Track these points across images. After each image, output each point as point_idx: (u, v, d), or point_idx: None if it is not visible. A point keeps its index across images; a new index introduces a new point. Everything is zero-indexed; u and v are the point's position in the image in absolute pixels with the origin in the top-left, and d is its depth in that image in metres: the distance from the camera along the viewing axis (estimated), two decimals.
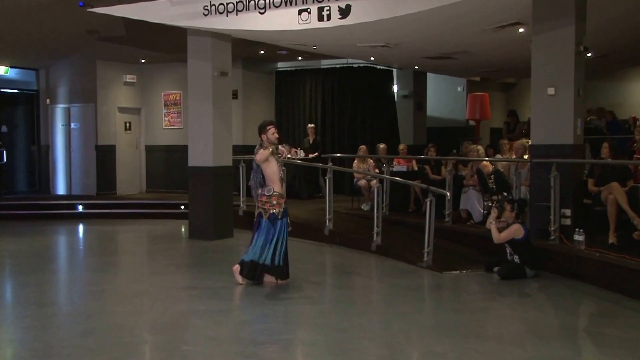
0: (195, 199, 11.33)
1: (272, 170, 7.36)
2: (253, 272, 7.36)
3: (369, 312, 6.71)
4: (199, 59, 11.11)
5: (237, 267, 7.47)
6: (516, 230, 8.00)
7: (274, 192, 7.33)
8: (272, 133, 7.36)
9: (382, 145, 12.90)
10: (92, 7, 10.61)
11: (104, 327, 6.07)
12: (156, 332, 6.00)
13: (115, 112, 15.88)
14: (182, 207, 13.36)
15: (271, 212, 7.31)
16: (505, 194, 8.80)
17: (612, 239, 7.93)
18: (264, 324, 6.08)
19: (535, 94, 8.70)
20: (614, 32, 11.18)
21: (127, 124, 16.24)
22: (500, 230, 8.09)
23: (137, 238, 12.24)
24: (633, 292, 6.98)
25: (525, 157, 9.90)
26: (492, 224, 8.15)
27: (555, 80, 8.44)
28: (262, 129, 7.41)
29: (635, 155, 9.62)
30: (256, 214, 7.53)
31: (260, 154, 7.24)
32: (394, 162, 12.50)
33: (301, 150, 13.98)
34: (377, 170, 12.32)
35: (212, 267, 8.80)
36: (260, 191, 7.39)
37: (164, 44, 13.69)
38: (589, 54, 10.54)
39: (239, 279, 7.43)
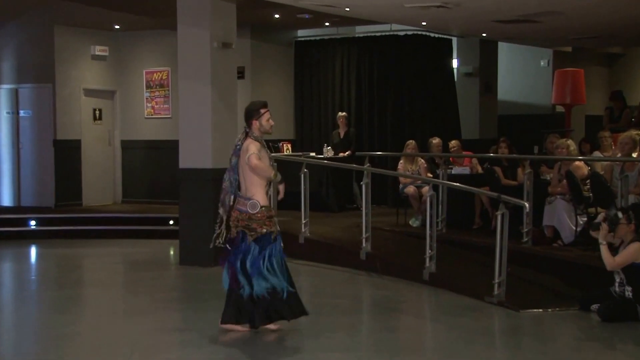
0: (189, 211, 11.37)
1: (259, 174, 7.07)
2: (266, 310, 7.06)
3: None
4: (193, 25, 11.14)
5: (232, 325, 7.22)
6: (637, 252, 7.89)
7: (261, 207, 6.99)
8: (266, 119, 7.08)
9: (435, 140, 12.93)
10: None
11: None
12: None
13: (81, 95, 15.86)
14: (171, 222, 13.47)
15: (263, 230, 7.00)
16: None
17: None
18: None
19: None
20: None
21: (97, 112, 16.27)
22: (614, 251, 8.01)
23: (110, 264, 12.21)
24: None
25: (635, 154, 9.85)
26: (602, 245, 8.08)
27: None
28: (253, 114, 7.09)
29: None
30: (231, 232, 7.13)
31: (260, 166, 6.89)
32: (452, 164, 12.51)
33: (329, 148, 14.22)
34: (430, 175, 12.32)
35: (210, 302, 8.77)
36: (238, 204, 7.04)
37: (146, 5, 13.69)
38: None
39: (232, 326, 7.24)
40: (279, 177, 7.07)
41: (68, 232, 14.22)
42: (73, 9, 14.24)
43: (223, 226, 7.16)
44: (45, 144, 15.48)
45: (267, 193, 7.17)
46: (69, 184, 15.59)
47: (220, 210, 7.16)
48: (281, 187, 7.21)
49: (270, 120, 7.14)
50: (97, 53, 16.00)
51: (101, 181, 16.36)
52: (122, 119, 16.73)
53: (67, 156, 15.55)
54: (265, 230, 6.97)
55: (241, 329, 7.15)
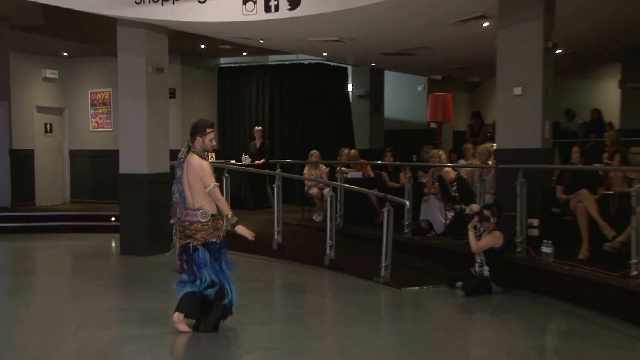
0: (128, 210, 11.18)
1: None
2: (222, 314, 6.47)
3: (322, 335, 6.71)
4: (131, 53, 10.97)
5: (181, 325, 6.41)
6: (496, 238, 8.12)
7: (211, 215, 6.34)
8: (210, 139, 6.39)
9: (346, 150, 13.00)
10: None
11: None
12: None
13: (33, 111, 15.44)
14: (113, 219, 13.19)
15: (213, 239, 6.35)
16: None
17: (584, 254, 8.04)
18: (204, 349, 6.03)
19: (500, 94, 8.88)
20: (584, 25, 11.48)
21: (48, 126, 15.87)
22: (478, 237, 8.23)
23: (59, 255, 11.92)
24: (605, 308, 7.16)
25: (490, 162, 10.09)
26: (470, 232, 8.27)
27: (522, 79, 8.63)
28: (199, 131, 6.37)
29: (605, 161, 9.88)
30: (181, 243, 6.41)
31: (220, 200, 6.31)
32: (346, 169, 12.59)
33: (247, 156, 14.13)
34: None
35: (146, 286, 8.68)
36: (186, 215, 6.34)
37: (90, 35, 13.43)
38: (559, 51, 10.79)
39: (183, 327, 6.42)
40: (234, 219, 6.38)
41: (23, 228, 13.80)
42: (26, 37, 13.83)
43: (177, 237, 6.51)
44: (2, 153, 14.98)
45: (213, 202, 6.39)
46: (24, 186, 15.15)
47: (173, 220, 6.45)
48: (239, 230, 6.43)
49: (213, 141, 6.46)
50: (47, 75, 15.64)
51: (52, 184, 15.94)
52: (70, 132, 16.34)
53: (21, 163, 15.11)
54: (214, 239, 6.33)
55: (185, 328, 6.38)
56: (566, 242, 8.40)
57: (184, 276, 6.38)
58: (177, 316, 6.34)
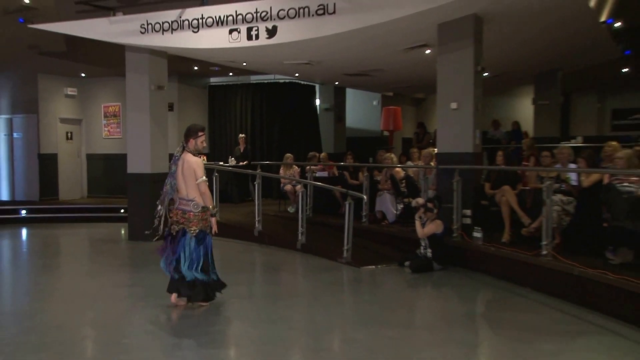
0: (134, 203, 11.08)
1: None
2: (205, 292, 6.30)
3: (295, 305, 6.68)
4: (136, 74, 10.88)
5: (175, 296, 6.30)
6: (437, 226, 8.18)
7: (202, 207, 6.14)
8: (201, 141, 6.20)
9: (321, 154, 12.92)
10: (32, 23, 10.28)
11: (47, 325, 5.84)
12: (97, 328, 5.83)
13: (57, 122, 15.31)
14: (122, 211, 13.04)
15: (199, 229, 6.15)
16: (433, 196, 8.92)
17: (506, 238, 8.09)
18: (199, 318, 5.97)
19: (440, 108, 8.91)
20: (506, 54, 11.60)
21: (69, 134, 15.68)
22: (422, 225, 8.25)
23: (78, 241, 11.79)
24: (523, 280, 7.25)
25: (432, 163, 10.12)
26: (417, 220, 8.29)
27: (457, 96, 8.68)
28: (192, 134, 6.18)
29: (523, 162, 9.99)
30: (172, 228, 6.21)
31: (206, 193, 6.08)
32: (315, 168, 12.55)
33: (233, 159, 14.01)
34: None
35: (150, 266, 8.53)
36: (180, 204, 6.16)
37: (104, 59, 13.32)
38: (486, 74, 10.86)
39: (181, 302, 6.31)
40: (215, 210, 6.27)
41: (49, 218, 13.74)
42: (51, 62, 13.71)
43: (162, 220, 6.29)
44: (32, 157, 15.02)
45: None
46: (49, 184, 15.10)
47: (159, 207, 6.29)
48: (213, 220, 6.24)
49: (204, 142, 6.25)
50: (68, 93, 15.53)
51: (72, 182, 15.76)
52: (86, 139, 16.13)
53: (47, 165, 15.07)
54: (201, 227, 6.14)
55: (181, 302, 6.28)
56: (492, 228, 8.44)
57: (168, 256, 6.22)
58: (174, 297, 6.26)
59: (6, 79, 15.13)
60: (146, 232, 6.83)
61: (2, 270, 9.03)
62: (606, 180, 7.20)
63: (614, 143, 8.02)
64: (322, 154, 13.09)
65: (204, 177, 6.16)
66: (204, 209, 6.17)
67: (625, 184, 6.93)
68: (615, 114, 18.57)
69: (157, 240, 6.52)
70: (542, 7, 8.40)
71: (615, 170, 7.16)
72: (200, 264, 6.19)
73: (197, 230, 6.15)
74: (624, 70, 16.13)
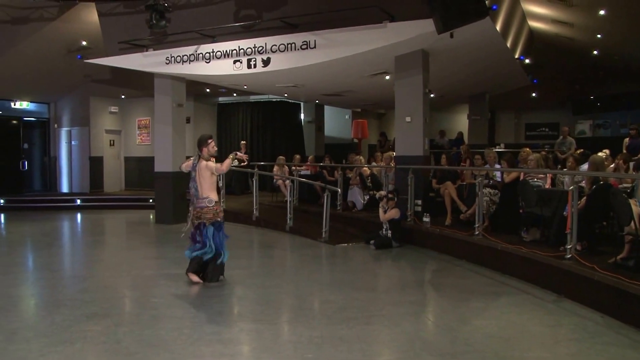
0: (160, 194, 10.94)
1: (213, 180, 5.85)
2: (221, 270, 5.99)
3: (283, 274, 6.59)
4: (162, 95, 10.72)
5: (194, 277, 5.85)
6: (396, 212, 8.09)
7: (215, 202, 5.82)
8: (212, 146, 5.82)
9: (297, 156, 12.80)
10: (87, 59, 10.57)
11: (95, 286, 5.79)
12: (133, 289, 5.77)
13: (103, 133, 15.19)
14: (151, 200, 12.88)
15: (217, 219, 5.84)
16: (390, 190, 8.84)
17: (448, 221, 8.10)
18: (210, 285, 5.83)
19: (398, 121, 8.85)
20: (447, 80, 11.58)
21: (111, 141, 15.50)
22: (384, 212, 8.18)
23: (118, 223, 11.58)
24: (460, 254, 7.23)
25: (392, 164, 10.08)
26: (380, 208, 8.21)
27: (410, 111, 8.62)
28: (203, 143, 5.82)
29: (461, 164, 9.98)
30: (195, 224, 5.86)
31: (227, 165, 5.60)
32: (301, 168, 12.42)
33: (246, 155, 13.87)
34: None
35: (172, 243, 8.44)
36: (198, 203, 5.81)
37: (138, 84, 13.26)
38: (432, 95, 10.85)
39: (195, 278, 5.86)
40: (232, 155, 5.64)
41: (96, 206, 13.68)
42: (100, 87, 13.94)
43: (190, 220, 5.89)
44: (84, 159, 14.91)
45: (219, 192, 5.96)
46: (97, 179, 15.03)
47: (190, 208, 5.90)
48: (240, 155, 5.75)
49: (215, 147, 5.84)
50: (112, 110, 15.38)
51: (114, 178, 15.54)
52: (124, 145, 15.85)
53: (96, 165, 15.00)
54: (218, 219, 5.81)
55: (198, 279, 5.85)
56: (437, 214, 8.42)
57: (197, 245, 5.89)
58: (191, 274, 5.89)
59: (67, 101, 15.11)
60: (182, 235, 6.26)
61: (63, 244, 8.93)
62: (522, 177, 7.22)
63: (527, 149, 8.02)
64: (310, 157, 12.96)
65: (218, 165, 5.74)
66: (217, 202, 5.84)
67: (535, 180, 7.03)
68: (528, 126, 18.69)
69: (183, 237, 6.24)
70: (473, 46, 8.42)
71: (528, 169, 7.19)
72: (223, 246, 5.88)
73: (213, 220, 5.83)
74: (533, 94, 16.54)
